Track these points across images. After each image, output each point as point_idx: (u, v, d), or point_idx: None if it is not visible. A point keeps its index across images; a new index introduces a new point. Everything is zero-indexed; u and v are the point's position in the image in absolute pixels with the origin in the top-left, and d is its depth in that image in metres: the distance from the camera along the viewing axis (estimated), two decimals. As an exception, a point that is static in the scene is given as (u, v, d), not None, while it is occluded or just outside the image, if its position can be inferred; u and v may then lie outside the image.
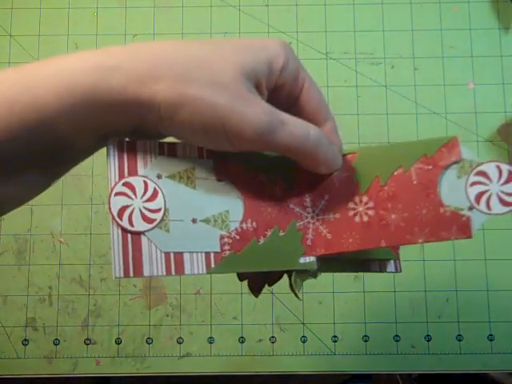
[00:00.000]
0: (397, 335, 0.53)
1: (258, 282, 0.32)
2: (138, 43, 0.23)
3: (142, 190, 0.27)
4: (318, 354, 0.53)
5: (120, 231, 0.26)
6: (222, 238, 0.28)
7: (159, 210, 0.27)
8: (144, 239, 0.26)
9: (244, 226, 0.29)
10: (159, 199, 0.27)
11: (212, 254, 0.27)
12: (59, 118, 0.22)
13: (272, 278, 0.33)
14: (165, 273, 0.27)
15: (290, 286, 0.30)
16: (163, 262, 0.27)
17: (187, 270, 0.27)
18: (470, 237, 0.26)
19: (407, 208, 0.27)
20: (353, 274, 0.54)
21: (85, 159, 0.26)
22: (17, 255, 0.55)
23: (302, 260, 0.28)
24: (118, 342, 0.54)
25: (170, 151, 0.27)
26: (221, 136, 0.23)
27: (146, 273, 0.26)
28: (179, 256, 0.27)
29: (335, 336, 0.53)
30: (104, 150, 0.25)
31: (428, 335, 0.53)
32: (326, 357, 0.53)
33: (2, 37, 0.58)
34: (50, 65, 0.22)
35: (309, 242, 0.29)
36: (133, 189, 0.26)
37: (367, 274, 0.54)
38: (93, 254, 0.55)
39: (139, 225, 0.26)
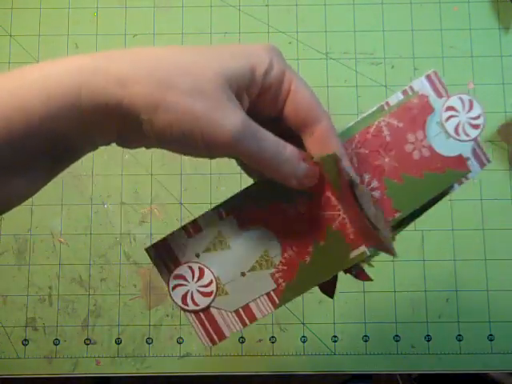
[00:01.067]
0: (397, 335, 0.53)
1: (328, 285, 0.34)
2: (125, 49, 0.24)
3: (191, 274, 0.31)
4: (318, 354, 0.53)
5: (192, 314, 0.32)
6: (273, 275, 0.31)
7: (211, 282, 0.31)
8: (213, 310, 0.32)
9: (286, 255, 0.31)
10: (207, 274, 0.31)
11: (272, 292, 0.31)
12: (47, 121, 0.22)
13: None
14: (242, 326, 0.32)
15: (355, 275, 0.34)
16: (236, 319, 0.31)
17: (258, 316, 0.31)
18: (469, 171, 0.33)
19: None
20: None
21: (83, 156, 0.26)
22: (17, 255, 0.55)
23: (352, 255, 0.31)
24: (118, 341, 0.54)
25: (194, 229, 0.31)
26: (199, 142, 0.23)
27: (227, 334, 0.32)
28: (247, 308, 0.31)
29: (335, 336, 0.53)
30: (104, 149, 0.25)
31: (428, 335, 0.53)
32: (325, 357, 0.53)
33: (2, 37, 0.58)
34: (36, 69, 0.23)
35: (351, 236, 0.30)
36: (183, 277, 0.31)
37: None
38: (93, 254, 0.55)
39: (202, 302, 0.32)
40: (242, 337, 0.54)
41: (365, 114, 0.34)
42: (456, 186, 0.36)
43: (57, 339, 0.53)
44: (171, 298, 0.32)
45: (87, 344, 0.54)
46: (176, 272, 0.31)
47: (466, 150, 0.34)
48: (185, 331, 0.54)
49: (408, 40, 0.58)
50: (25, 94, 0.22)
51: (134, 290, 0.54)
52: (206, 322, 0.33)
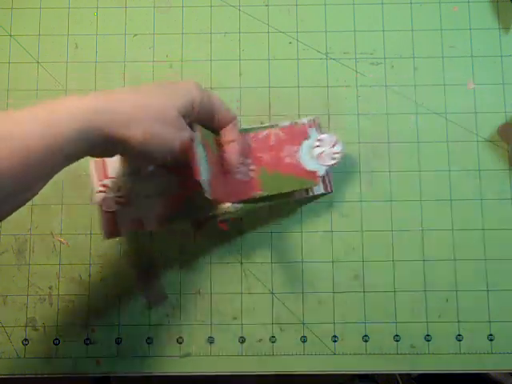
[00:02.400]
0: (397, 335, 0.53)
1: (197, 223, 0.52)
2: (114, 94, 0.35)
3: (113, 185, 0.46)
4: (318, 354, 0.53)
5: (103, 212, 0.47)
6: (165, 202, 0.47)
7: (123, 195, 0.47)
8: (118, 213, 0.47)
9: (179, 191, 0.47)
10: (123, 189, 0.47)
11: (158, 215, 0.47)
12: (66, 147, 0.32)
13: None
14: (132, 231, 0.49)
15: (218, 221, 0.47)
16: (129, 225, 0.47)
17: (147, 227, 0.47)
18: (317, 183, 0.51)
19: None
20: (352, 274, 0.54)
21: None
22: (17, 255, 0.55)
23: (217, 208, 0.45)
24: (118, 341, 0.54)
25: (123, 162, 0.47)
26: (167, 154, 0.38)
27: (123, 234, 0.48)
28: (139, 220, 0.47)
29: (335, 336, 0.53)
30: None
31: (428, 335, 0.53)
32: (325, 357, 0.53)
33: (2, 37, 0.58)
34: (61, 107, 0.32)
35: (216, 195, 0.44)
36: (106, 186, 0.47)
37: (367, 274, 0.54)
38: (93, 254, 0.55)
39: (113, 207, 0.47)
40: (241, 337, 0.54)
41: (261, 125, 0.52)
42: (305, 193, 0.53)
43: (57, 339, 0.53)
44: (94, 199, 0.47)
45: (87, 344, 0.54)
46: (103, 182, 0.47)
47: (321, 170, 0.50)
48: (185, 331, 0.54)
49: (408, 40, 0.58)
50: (55, 130, 0.31)
51: (134, 290, 0.54)
52: (111, 221, 0.47)
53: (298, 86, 0.57)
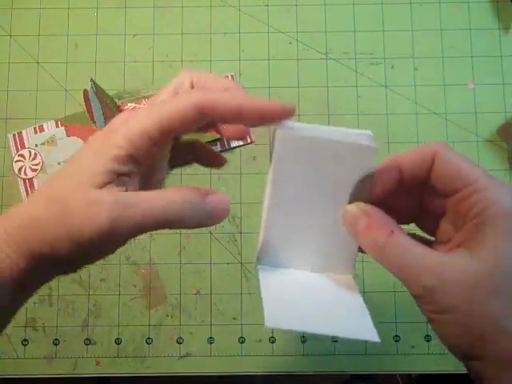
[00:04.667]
0: (397, 335, 0.53)
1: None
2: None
3: (28, 155, 0.55)
4: (318, 354, 0.53)
5: (22, 180, 0.55)
6: None
7: (39, 163, 0.55)
8: (35, 180, 0.55)
9: None
10: (38, 158, 0.55)
11: None
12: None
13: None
14: None
15: None
16: None
17: None
18: None
19: None
20: (353, 274, 0.54)
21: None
22: (17, 255, 0.55)
23: None
24: (118, 342, 0.53)
25: (40, 129, 0.55)
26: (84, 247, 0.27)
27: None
28: None
29: (335, 336, 0.53)
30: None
31: (428, 335, 0.53)
32: (325, 357, 0.53)
33: (2, 37, 0.58)
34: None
35: None
36: (23, 156, 0.55)
37: (367, 274, 0.54)
38: (93, 254, 0.55)
39: (30, 174, 0.55)
40: (241, 337, 0.54)
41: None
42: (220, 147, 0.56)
43: (57, 339, 0.53)
44: (13, 168, 0.55)
45: (87, 344, 0.53)
46: (20, 152, 0.55)
47: None
48: (185, 331, 0.54)
49: (408, 40, 0.58)
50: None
51: (134, 290, 0.54)
52: (29, 187, 0.55)
53: (298, 86, 0.57)
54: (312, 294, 0.28)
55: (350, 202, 0.27)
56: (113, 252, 0.28)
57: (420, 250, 0.24)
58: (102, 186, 0.25)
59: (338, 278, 0.29)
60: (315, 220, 0.28)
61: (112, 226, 0.24)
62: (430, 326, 0.53)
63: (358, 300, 0.28)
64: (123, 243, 0.26)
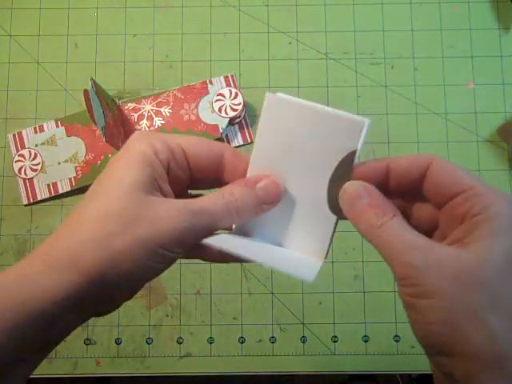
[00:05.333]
0: (397, 335, 0.53)
1: None
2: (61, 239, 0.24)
3: (28, 155, 0.55)
4: (318, 354, 0.53)
5: (22, 180, 0.55)
6: (76, 168, 0.54)
7: (39, 163, 0.55)
8: (35, 180, 0.55)
9: (87, 157, 0.54)
10: (38, 158, 0.55)
11: (72, 178, 0.54)
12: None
13: None
14: (49, 195, 0.54)
15: None
16: (46, 190, 0.55)
17: (60, 190, 0.54)
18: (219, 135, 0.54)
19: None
20: (352, 274, 0.54)
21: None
22: (17, 255, 0.55)
23: None
24: (118, 342, 0.53)
25: (40, 129, 0.55)
26: (165, 253, 0.25)
27: (39, 197, 0.55)
28: (55, 184, 0.54)
29: (335, 336, 0.53)
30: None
31: (428, 335, 0.53)
32: (325, 357, 0.53)
33: (2, 37, 0.58)
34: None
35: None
36: (23, 156, 0.55)
37: (367, 274, 0.54)
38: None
39: (30, 174, 0.55)
40: (241, 337, 0.54)
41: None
42: None
43: (57, 339, 0.53)
44: (12, 167, 0.55)
45: (87, 344, 0.53)
46: (20, 152, 0.55)
47: (222, 122, 0.54)
48: (185, 331, 0.54)
49: (408, 40, 0.58)
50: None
51: (134, 290, 0.54)
52: (29, 187, 0.55)
53: (298, 86, 0.57)
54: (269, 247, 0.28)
55: (331, 181, 0.26)
56: (161, 271, 0.26)
57: (415, 233, 0.23)
58: (151, 193, 0.25)
59: (304, 261, 0.28)
60: (292, 193, 0.27)
61: (189, 228, 0.25)
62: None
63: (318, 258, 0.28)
64: (182, 255, 0.26)
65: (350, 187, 0.25)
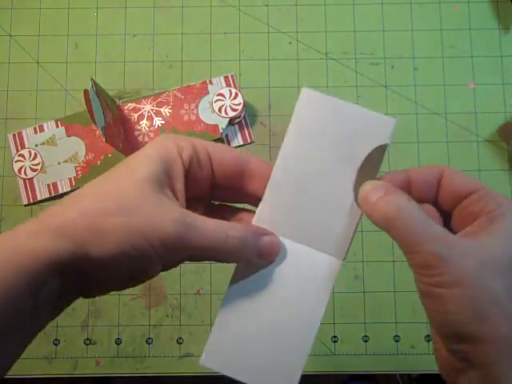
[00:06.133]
0: (397, 335, 0.53)
1: None
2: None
3: (28, 155, 0.55)
4: (318, 354, 0.53)
5: (22, 180, 0.54)
6: (76, 168, 0.54)
7: (39, 163, 0.55)
8: (35, 180, 0.55)
9: (87, 157, 0.54)
10: (38, 158, 0.55)
11: (73, 178, 0.54)
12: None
13: None
14: (49, 195, 0.54)
15: None
16: (46, 190, 0.54)
17: (60, 190, 0.54)
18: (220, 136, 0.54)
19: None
20: (352, 274, 0.54)
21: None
22: (17, 255, 0.54)
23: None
24: (118, 342, 0.54)
25: (40, 129, 0.55)
26: (147, 248, 0.24)
27: (39, 197, 0.54)
28: (55, 184, 0.54)
29: (335, 336, 0.53)
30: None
31: (428, 335, 0.53)
32: (325, 357, 0.53)
33: (2, 37, 0.58)
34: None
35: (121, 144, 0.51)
36: (23, 156, 0.55)
37: (367, 274, 0.54)
38: (93, 254, 0.55)
39: (30, 174, 0.54)
40: (242, 337, 0.53)
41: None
42: None
43: (57, 339, 0.53)
44: (13, 168, 0.54)
45: (87, 344, 0.53)
46: (20, 152, 0.55)
47: (222, 122, 0.54)
48: (185, 331, 0.54)
49: (408, 40, 0.58)
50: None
51: (134, 290, 0.54)
52: (29, 187, 0.54)
53: (298, 86, 0.57)
54: (275, 300, 0.28)
55: (358, 175, 0.27)
56: (143, 280, 0.26)
57: (433, 222, 0.24)
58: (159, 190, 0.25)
59: (322, 263, 0.28)
60: (319, 189, 0.28)
61: (178, 237, 0.24)
62: (429, 326, 0.53)
63: (310, 333, 0.28)
64: (160, 268, 0.26)
65: (369, 183, 0.26)
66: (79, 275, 0.24)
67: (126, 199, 0.24)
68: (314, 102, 0.27)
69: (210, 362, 0.26)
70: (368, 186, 0.26)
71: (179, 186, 0.26)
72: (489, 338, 0.21)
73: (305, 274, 0.28)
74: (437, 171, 0.27)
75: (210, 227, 0.25)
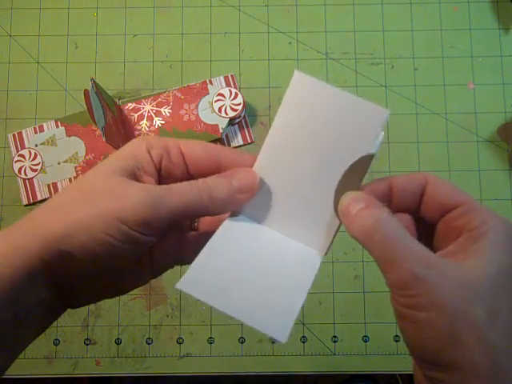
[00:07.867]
0: (397, 335, 0.53)
1: None
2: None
3: (28, 155, 0.55)
4: (318, 354, 0.53)
5: (22, 180, 0.54)
6: (76, 167, 0.55)
7: (39, 163, 0.55)
8: (35, 180, 0.55)
9: (87, 157, 0.55)
10: (38, 158, 0.55)
11: (73, 178, 0.54)
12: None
13: None
14: (49, 195, 0.54)
15: None
16: (46, 190, 0.55)
17: (59, 189, 0.54)
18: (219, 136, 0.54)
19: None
20: (353, 274, 0.54)
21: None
22: (17, 255, 0.55)
23: None
24: (118, 342, 0.53)
25: (40, 129, 0.56)
26: (123, 229, 0.24)
27: (39, 197, 0.54)
28: (55, 184, 0.55)
29: (335, 336, 0.53)
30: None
31: (428, 335, 0.53)
32: (325, 357, 0.53)
33: (2, 37, 0.58)
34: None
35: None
36: (23, 156, 0.55)
37: (367, 274, 0.54)
38: (93, 254, 0.55)
39: (30, 174, 0.54)
40: (241, 337, 0.54)
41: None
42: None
43: (57, 339, 0.53)
44: (12, 167, 0.54)
45: (87, 344, 0.53)
46: (20, 152, 0.55)
47: (222, 122, 0.54)
48: (185, 331, 0.54)
49: (408, 40, 0.58)
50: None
51: (134, 291, 0.54)
52: (29, 187, 0.54)
53: (298, 86, 0.57)
54: (260, 263, 0.26)
55: (340, 183, 0.26)
56: (132, 253, 0.25)
57: (413, 239, 0.23)
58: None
59: (305, 253, 0.27)
60: (304, 181, 0.27)
61: (152, 205, 0.24)
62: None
63: (300, 294, 0.27)
64: (150, 242, 0.25)
65: (350, 194, 0.25)
66: (61, 278, 0.23)
67: (89, 187, 0.24)
68: (306, 86, 0.26)
69: (188, 286, 0.23)
70: (349, 198, 0.25)
71: (148, 179, 0.26)
72: (464, 366, 0.20)
73: (288, 260, 0.27)
74: (420, 180, 0.25)
75: (183, 185, 0.25)
